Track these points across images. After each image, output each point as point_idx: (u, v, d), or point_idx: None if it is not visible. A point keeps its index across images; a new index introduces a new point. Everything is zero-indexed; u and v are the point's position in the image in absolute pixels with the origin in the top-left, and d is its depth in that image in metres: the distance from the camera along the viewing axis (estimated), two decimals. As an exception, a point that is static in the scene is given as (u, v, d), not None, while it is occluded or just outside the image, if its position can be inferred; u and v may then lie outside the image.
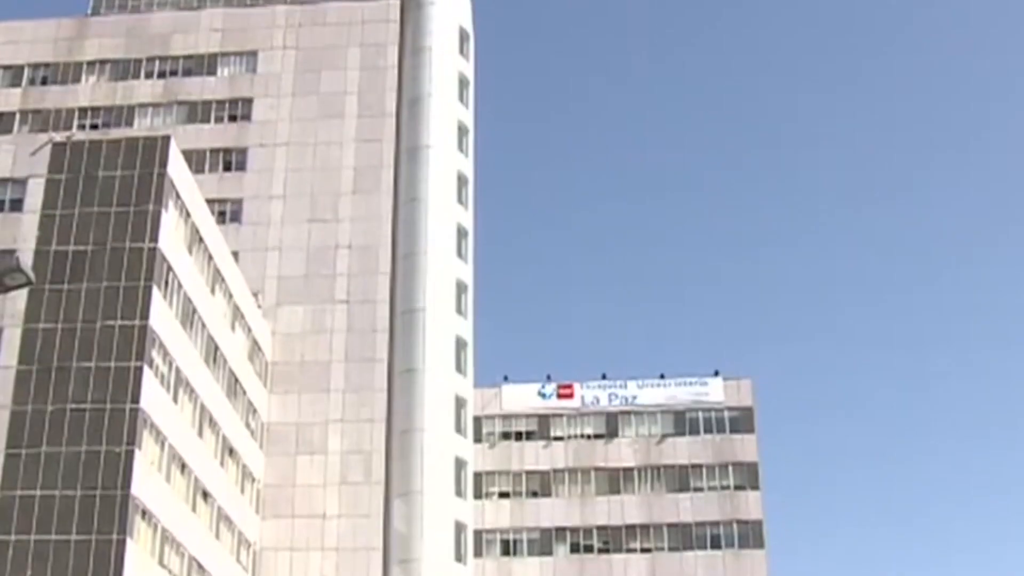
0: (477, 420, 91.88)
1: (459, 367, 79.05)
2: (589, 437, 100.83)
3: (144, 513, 56.15)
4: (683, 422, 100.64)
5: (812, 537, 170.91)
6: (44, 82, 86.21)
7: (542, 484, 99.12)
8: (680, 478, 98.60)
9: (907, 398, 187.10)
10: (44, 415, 56.36)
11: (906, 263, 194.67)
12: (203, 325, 65.50)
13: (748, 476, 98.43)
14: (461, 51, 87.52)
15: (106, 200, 60.92)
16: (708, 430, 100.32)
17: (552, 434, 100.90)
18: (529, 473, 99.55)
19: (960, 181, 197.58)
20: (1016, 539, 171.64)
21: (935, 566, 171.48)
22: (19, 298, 57.38)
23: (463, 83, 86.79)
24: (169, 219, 61.36)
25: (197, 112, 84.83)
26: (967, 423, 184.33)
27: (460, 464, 77.04)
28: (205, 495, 64.65)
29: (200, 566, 62.93)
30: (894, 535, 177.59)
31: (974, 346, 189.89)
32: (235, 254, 75.01)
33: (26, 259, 57.42)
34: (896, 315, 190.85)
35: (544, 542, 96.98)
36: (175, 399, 61.16)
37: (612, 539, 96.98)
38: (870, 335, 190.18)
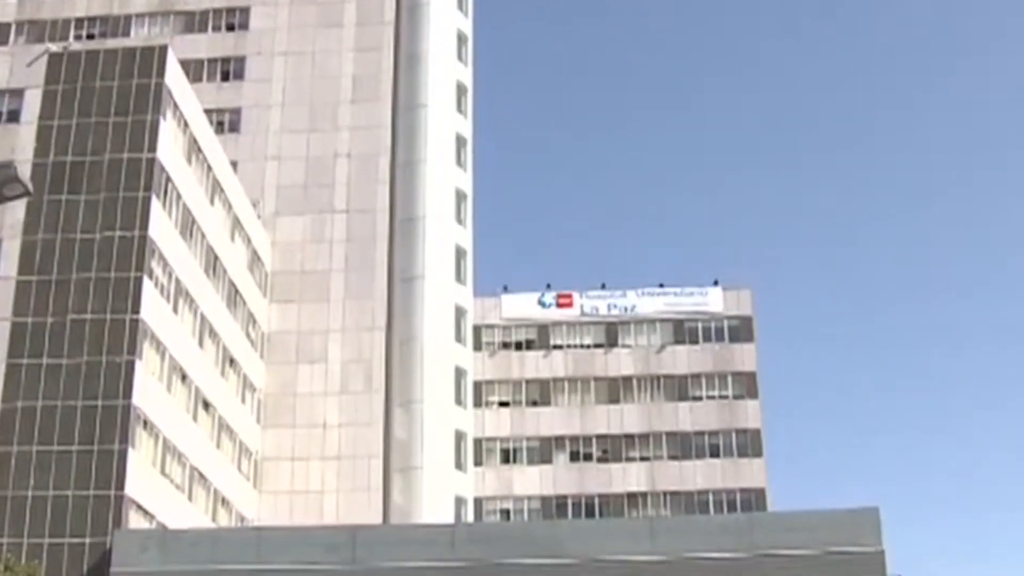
0: (477, 329, 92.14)
1: (459, 276, 79.20)
2: (589, 346, 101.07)
3: (145, 423, 56.46)
4: (682, 331, 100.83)
5: (810, 446, 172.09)
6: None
7: (542, 393, 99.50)
8: (679, 387, 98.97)
9: (907, 305, 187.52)
10: (44, 326, 56.51)
11: (909, 172, 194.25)
12: (202, 235, 65.47)
13: (747, 385, 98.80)
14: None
15: (103, 110, 60.65)
16: (707, 339, 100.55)
17: (552, 343, 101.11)
18: (529, 382, 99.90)
19: (963, 97, 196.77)
20: (1019, 445, 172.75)
21: (934, 472, 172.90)
22: (18, 209, 57.31)
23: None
24: (167, 129, 61.12)
25: (194, 21, 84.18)
26: (969, 330, 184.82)
27: (460, 373, 77.44)
28: (206, 405, 64.96)
29: (201, 475, 63.37)
30: (892, 444, 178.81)
31: (978, 254, 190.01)
32: (234, 164, 74.84)
33: (24, 170, 57.02)
34: (898, 223, 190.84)
35: (544, 451, 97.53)
36: (175, 309, 61.28)
37: (611, 448, 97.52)
38: (871, 242, 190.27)
